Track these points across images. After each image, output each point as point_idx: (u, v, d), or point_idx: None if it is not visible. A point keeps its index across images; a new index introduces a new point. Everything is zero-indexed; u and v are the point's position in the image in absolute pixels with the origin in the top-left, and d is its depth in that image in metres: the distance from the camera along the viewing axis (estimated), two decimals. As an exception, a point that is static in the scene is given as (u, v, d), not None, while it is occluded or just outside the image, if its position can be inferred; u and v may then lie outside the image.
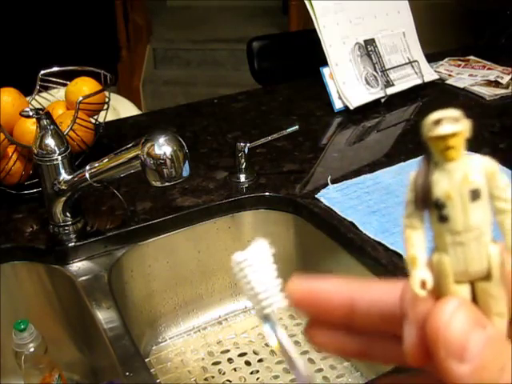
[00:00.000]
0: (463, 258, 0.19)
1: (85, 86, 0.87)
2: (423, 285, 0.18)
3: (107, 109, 0.88)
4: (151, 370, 0.76)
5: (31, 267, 0.75)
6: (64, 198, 0.71)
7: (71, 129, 0.79)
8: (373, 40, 1.16)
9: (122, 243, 0.76)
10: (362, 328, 0.22)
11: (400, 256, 0.69)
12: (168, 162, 0.59)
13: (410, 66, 1.20)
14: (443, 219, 0.18)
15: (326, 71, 1.10)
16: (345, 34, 1.13)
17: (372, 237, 0.72)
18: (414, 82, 1.18)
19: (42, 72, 0.92)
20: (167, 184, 0.61)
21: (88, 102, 0.81)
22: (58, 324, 0.79)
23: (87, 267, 0.72)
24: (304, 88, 1.23)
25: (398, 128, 1.06)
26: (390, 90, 1.14)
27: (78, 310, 0.72)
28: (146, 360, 0.79)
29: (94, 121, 0.88)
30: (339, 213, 0.77)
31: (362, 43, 1.15)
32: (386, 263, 0.68)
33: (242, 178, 0.85)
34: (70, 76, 0.91)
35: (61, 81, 0.92)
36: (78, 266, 0.73)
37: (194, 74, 3.34)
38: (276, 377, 0.77)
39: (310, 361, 0.78)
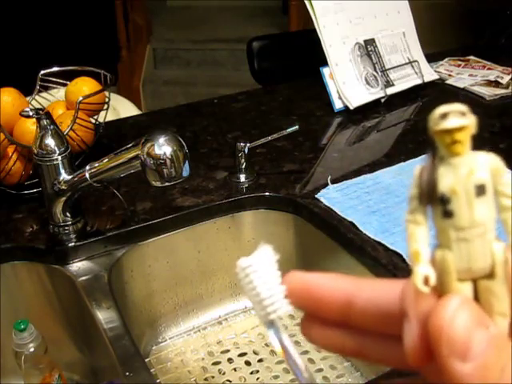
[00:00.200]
0: (467, 254, 0.18)
1: (85, 86, 0.87)
2: (426, 281, 0.18)
3: (107, 109, 0.88)
4: (151, 370, 0.76)
5: (31, 267, 0.75)
6: (64, 198, 0.71)
7: (71, 129, 0.79)
8: (373, 40, 1.16)
9: (122, 243, 0.76)
10: (359, 325, 0.22)
11: (400, 256, 0.69)
12: (168, 161, 0.59)
13: (409, 65, 1.20)
14: (448, 215, 0.18)
15: (326, 71, 1.10)
16: (345, 34, 1.13)
17: (372, 237, 0.72)
18: (414, 82, 1.18)
19: (42, 72, 0.92)
20: (167, 184, 0.61)
21: (88, 102, 0.81)
22: (58, 324, 0.79)
23: (87, 267, 0.72)
24: (304, 88, 1.23)
25: (398, 128, 1.06)
26: (390, 90, 1.14)
27: (78, 310, 0.72)
28: (146, 360, 0.79)
29: (94, 121, 0.88)
30: (339, 213, 0.77)
31: (362, 43, 1.15)
32: (386, 263, 0.68)
33: (242, 177, 0.85)
34: (69, 76, 0.91)
35: (61, 81, 0.92)
36: (78, 265, 0.73)
37: (194, 74, 3.34)
38: (276, 377, 0.77)
39: (310, 361, 0.78)
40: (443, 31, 2.24)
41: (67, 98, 0.89)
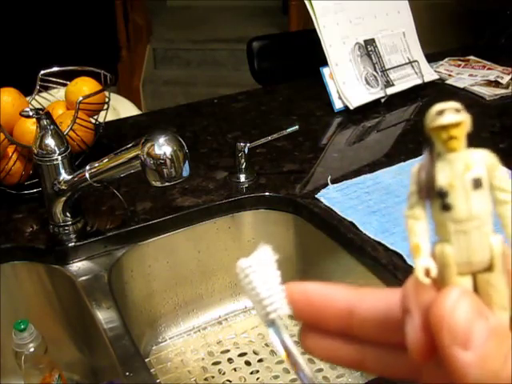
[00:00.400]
0: (466, 247, 0.19)
1: (85, 86, 0.87)
2: (427, 273, 0.19)
3: (107, 109, 0.88)
4: (151, 370, 0.76)
5: (31, 267, 0.75)
6: (64, 198, 0.71)
7: (71, 129, 0.79)
8: (373, 40, 1.16)
9: (122, 243, 0.76)
10: (360, 335, 0.22)
11: (400, 256, 0.69)
12: (168, 161, 0.59)
13: (409, 65, 1.20)
14: (446, 208, 0.19)
15: (326, 71, 1.10)
16: (345, 33, 1.13)
17: (372, 237, 0.72)
18: (414, 82, 1.18)
19: (42, 72, 0.92)
20: (167, 184, 0.61)
21: (88, 102, 0.81)
22: (58, 324, 0.79)
23: (87, 267, 0.72)
24: (304, 88, 1.23)
25: (398, 128, 1.06)
26: (390, 90, 1.14)
27: (78, 310, 0.72)
28: (146, 360, 0.79)
29: (94, 121, 0.88)
30: (339, 213, 0.77)
31: (362, 43, 1.15)
32: (386, 263, 0.68)
33: (242, 178, 0.85)
34: (70, 76, 0.91)
35: (61, 81, 0.92)
36: (78, 265, 0.73)
37: (194, 74, 3.34)
38: (276, 377, 0.77)
39: (310, 361, 0.78)
40: (443, 31, 2.24)
41: (67, 98, 0.89)
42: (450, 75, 1.28)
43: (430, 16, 2.16)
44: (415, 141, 0.98)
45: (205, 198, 0.82)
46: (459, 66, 1.32)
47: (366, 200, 0.80)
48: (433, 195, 0.19)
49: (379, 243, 0.71)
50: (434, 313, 0.18)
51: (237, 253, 0.86)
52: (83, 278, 0.71)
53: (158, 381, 0.76)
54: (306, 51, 1.33)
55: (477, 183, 0.19)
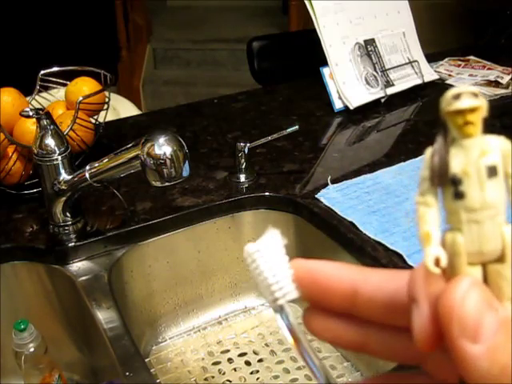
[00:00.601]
0: (478, 236, 0.18)
1: (85, 86, 0.87)
2: (437, 262, 0.18)
3: (107, 109, 0.88)
4: (151, 370, 0.76)
5: (31, 267, 0.75)
6: (64, 198, 0.71)
7: (71, 129, 0.79)
8: (373, 40, 1.16)
9: (122, 243, 0.76)
10: (364, 316, 0.21)
11: (400, 256, 0.69)
12: (168, 161, 0.59)
13: (409, 66, 1.20)
14: (459, 196, 0.18)
15: (326, 71, 1.10)
16: (345, 33, 1.13)
17: (372, 237, 0.72)
18: (414, 82, 1.18)
19: (42, 72, 0.92)
20: (167, 184, 0.61)
21: (88, 102, 0.81)
22: (58, 324, 0.79)
23: (87, 267, 0.72)
24: (304, 88, 1.23)
25: (398, 128, 1.06)
26: (390, 90, 1.14)
27: (78, 310, 0.72)
28: (146, 360, 0.79)
29: (94, 121, 0.88)
30: (339, 213, 0.77)
31: (362, 43, 1.15)
32: (386, 263, 0.68)
33: (242, 178, 0.85)
34: (70, 76, 0.91)
35: (61, 81, 0.92)
36: (78, 265, 0.73)
37: (194, 74, 3.34)
38: (276, 377, 0.77)
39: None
40: (443, 31, 2.24)
41: (67, 98, 0.89)
42: (449, 75, 1.28)
43: (430, 16, 2.16)
44: (415, 141, 0.98)
45: (205, 198, 0.82)
46: (459, 65, 1.32)
47: (366, 200, 0.80)
48: (445, 182, 0.18)
49: (379, 243, 0.71)
50: (443, 303, 0.17)
51: (237, 253, 0.86)
52: (83, 278, 0.71)
53: (158, 381, 0.76)
54: (306, 51, 1.33)
55: (492, 171, 0.18)
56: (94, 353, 0.76)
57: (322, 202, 0.80)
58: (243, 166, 0.85)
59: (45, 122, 0.68)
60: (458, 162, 0.18)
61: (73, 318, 0.77)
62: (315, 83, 1.13)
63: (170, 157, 0.59)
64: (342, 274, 0.22)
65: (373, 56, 1.16)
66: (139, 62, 3.27)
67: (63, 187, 0.69)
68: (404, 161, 0.89)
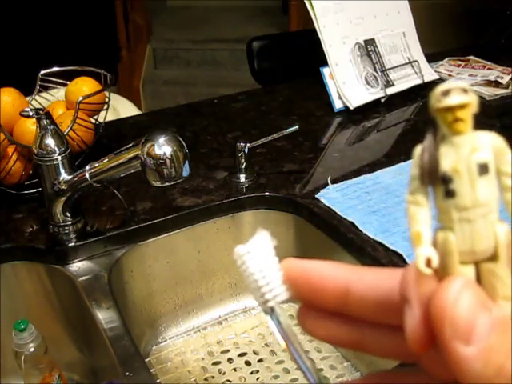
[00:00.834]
0: (470, 235, 0.18)
1: (85, 86, 0.87)
2: (428, 262, 0.18)
3: (107, 109, 0.88)
4: (151, 370, 0.76)
5: (31, 267, 0.75)
6: (64, 198, 0.71)
7: (71, 129, 0.79)
8: (373, 40, 1.16)
9: (122, 243, 0.76)
10: (357, 315, 0.21)
11: (400, 256, 0.69)
12: (168, 161, 0.59)
13: (409, 66, 1.20)
14: (450, 194, 0.18)
15: (326, 71, 1.10)
16: (345, 33, 1.13)
17: (372, 237, 0.72)
18: (414, 82, 1.18)
19: (42, 72, 0.92)
20: (167, 184, 0.61)
21: (88, 102, 0.81)
22: (58, 324, 0.79)
23: (87, 267, 0.72)
24: (304, 88, 1.23)
25: (398, 128, 1.06)
26: (390, 90, 1.14)
27: (78, 310, 0.72)
28: (146, 360, 0.79)
29: (94, 121, 0.88)
30: (339, 213, 0.77)
31: (362, 43, 1.15)
32: (386, 263, 0.68)
33: (242, 178, 0.85)
34: (70, 76, 0.91)
35: (61, 81, 0.92)
36: (78, 265, 0.73)
37: (194, 74, 3.34)
38: (276, 377, 0.77)
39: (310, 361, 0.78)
40: (443, 31, 2.24)
41: (67, 98, 0.89)
42: (450, 75, 1.28)
43: (430, 16, 2.16)
44: (415, 141, 0.97)
45: (205, 198, 0.82)
46: (459, 66, 1.32)
47: (366, 200, 0.80)
48: (436, 181, 0.18)
49: (379, 243, 0.71)
50: (435, 304, 0.17)
51: (237, 253, 0.86)
52: (83, 277, 0.71)
53: (158, 381, 0.76)
54: (306, 51, 1.33)
55: (483, 169, 0.17)
56: (93, 353, 0.76)
57: (321, 202, 0.80)
58: (243, 166, 0.85)
59: (45, 122, 0.68)
60: (448, 160, 0.18)
61: (73, 318, 0.77)
62: (315, 83, 1.13)
63: (170, 157, 0.59)
64: (334, 274, 0.21)
65: (373, 56, 1.16)
66: (139, 62, 3.27)
67: (63, 187, 0.69)
68: (404, 161, 0.89)
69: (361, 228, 0.74)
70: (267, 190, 0.83)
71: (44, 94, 0.95)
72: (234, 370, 0.78)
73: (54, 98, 0.97)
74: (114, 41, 3.07)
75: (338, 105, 1.10)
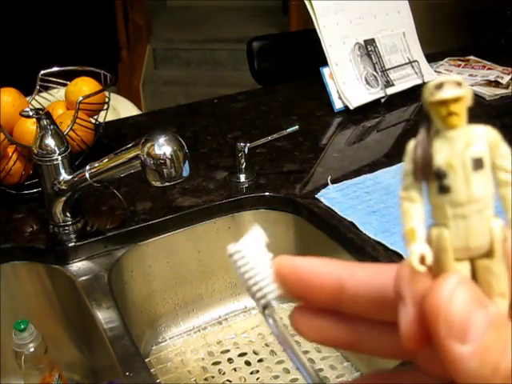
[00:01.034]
0: (464, 231, 0.17)
1: (85, 86, 0.87)
2: (422, 260, 0.17)
3: (107, 109, 0.88)
4: (151, 370, 0.76)
5: (31, 267, 0.75)
6: (64, 198, 0.71)
7: (71, 129, 0.79)
8: (373, 40, 1.16)
9: (122, 243, 0.76)
10: (351, 312, 0.21)
11: (400, 256, 0.69)
12: (168, 161, 0.59)
13: (409, 66, 1.20)
14: (444, 190, 0.17)
15: (326, 71, 1.10)
16: (345, 33, 1.13)
17: (372, 237, 0.72)
18: (414, 82, 1.18)
19: (42, 72, 0.92)
20: (167, 184, 0.61)
21: (88, 102, 0.81)
22: (58, 324, 0.79)
23: (87, 267, 0.72)
24: (304, 88, 1.23)
25: (398, 128, 1.06)
26: (390, 90, 1.14)
27: (78, 310, 0.72)
28: (146, 360, 0.79)
29: (94, 121, 0.88)
30: (339, 213, 0.77)
31: (362, 43, 1.15)
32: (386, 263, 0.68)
33: (242, 178, 0.85)
34: (70, 76, 0.91)
35: (61, 81, 0.92)
36: (78, 265, 0.73)
37: (194, 74, 3.34)
38: (276, 377, 0.77)
39: (310, 361, 0.78)
40: (443, 31, 2.24)
41: (67, 98, 0.89)
42: (450, 75, 1.27)
43: (430, 16, 2.16)
44: (415, 141, 0.98)
45: (205, 198, 0.82)
46: (459, 66, 1.32)
47: (366, 200, 0.80)
48: (429, 176, 0.18)
49: (379, 243, 0.71)
50: (430, 302, 0.17)
51: (237, 253, 0.86)
52: (83, 277, 0.71)
53: (157, 381, 0.76)
54: (306, 51, 1.33)
55: (478, 163, 0.17)
56: (93, 353, 0.76)
57: (321, 202, 0.80)
58: (243, 166, 0.85)
59: (45, 121, 0.68)
60: (442, 155, 0.17)
61: (73, 318, 0.77)
62: (315, 83, 1.13)
63: (170, 157, 0.59)
64: (327, 270, 0.21)
65: (373, 56, 1.16)
66: (139, 62, 3.27)
67: (63, 187, 0.69)
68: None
69: (361, 228, 0.74)
70: (267, 190, 0.83)
71: (44, 94, 0.95)
72: (234, 370, 0.78)
73: (54, 97, 0.97)
74: (114, 41, 3.07)
75: (337, 105, 1.10)
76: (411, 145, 0.18)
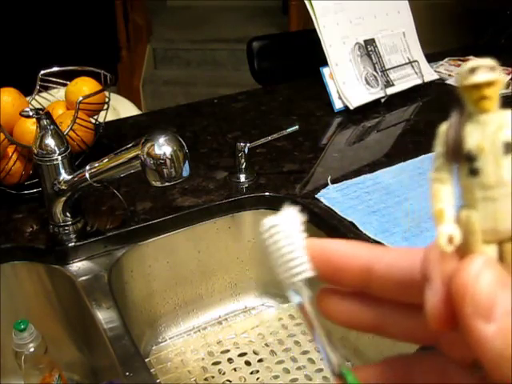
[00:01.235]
0: (493, 214, 0.18)
1: (85, 86, 0.87)
2: (450, 240, 0.18)
3: (107, 109, 0.88)
4: (151, 370, 0.76)
5: (31, 267, 0.75)
6: (64, 198, 0.71)
7: (71, 129, 0.79)
8: (373, 40, 1.16)
9: (122, 243, 0.76)
10: (378, 294, 0.21)
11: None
12: (168, 161, 0.59)
13: (409, 66, 1.20)
14: (474, 172, 0.18)
15: (326, 71, 1.10)
16: (345, 33, 1.13)
17: (372, 237, 0.72)
18: (414, 82, 1.18)
19: (42, 72, 0.92)
20: (167, 184, 0.61)
21: (88, 102, 0.81)
22: (58, 324, 0.79)
23: (87, 267, 0.72)
24: (304, 88, 1.23)
25: (398, 128, 1.06)
26: (390, 90, 1.14)
27: (78, 310, 0.72)
28: (146, 360, 0.79)
29: (94, 121, 0.88)
30: (339, 213, 0.77)
31: (362, 43, 1.15)
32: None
33: (242, 177, 0.85)
34: (70, 76, 0.91)
35: (61, 81, 0.92)
36: (78, 265, 0.73)
37: (194, 74, 3.34)
38: (276, 377, 0.77)
39: (310, 361, 0.78)
40: (443, 31, 2.24)
41: (67, 98, 0.89)
42: (449, 75, 1.28)
43: (430, 16, 2.16)
44: (415, 141, 0.98)
45: (205, 198, 0.82)
46: (459, 65, 1.32)
47: (366, 200, 0.80)
48: (460, 158, 0.18)
49: (379, 243, 0.71)
50: (457, 281, 0.17)
51: (237, 253, 0.86)
52: (83, 277, 0.71)
53: (157, 381, 0.76)
54: (306, 51, 1.33)
55: (508, 147, 0.17)
56: (93, 353, 0.76)
57: (321, 202, 0.80)
58: (243, 166, 0.85)
59: (45, 121, 0.68)
60: (473, 138, 0.18)
61: (73, 318, 0.77)
62: (315, 83, 1.13)
63: (170, 157, 0.59)
64: (355, 252, 0.21)
65: (373, 56, 1.16)
66: (139, 62, 3.27)
67: (63, 187, 0.69)
68: (404, 161, 0.89)
69: (361, 228, 0.74)
70: (267, 190, 0.83)
71: (44, 94, 0.95)
72: (234, 369, 0.78)
73: (54, 97, 0.97)
74: (114, 41, 3.07)
75: (337, 105, 1.10)
76: (443, 128, 0.18)
